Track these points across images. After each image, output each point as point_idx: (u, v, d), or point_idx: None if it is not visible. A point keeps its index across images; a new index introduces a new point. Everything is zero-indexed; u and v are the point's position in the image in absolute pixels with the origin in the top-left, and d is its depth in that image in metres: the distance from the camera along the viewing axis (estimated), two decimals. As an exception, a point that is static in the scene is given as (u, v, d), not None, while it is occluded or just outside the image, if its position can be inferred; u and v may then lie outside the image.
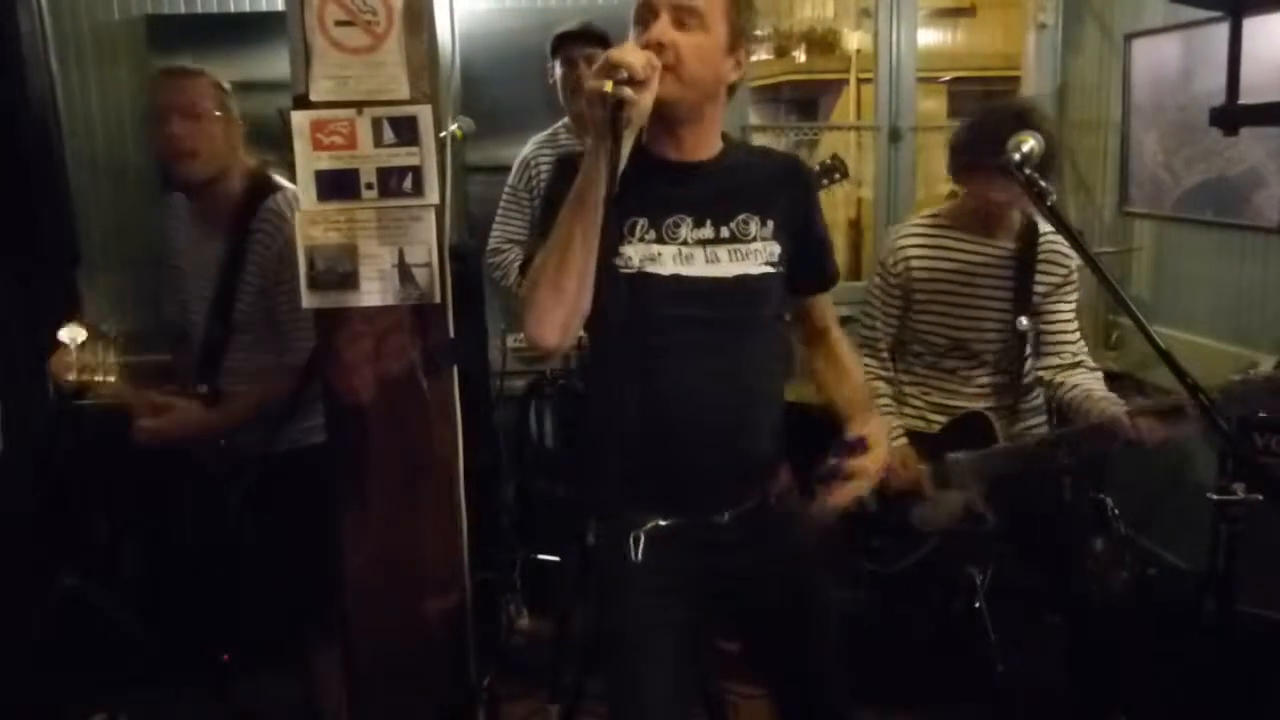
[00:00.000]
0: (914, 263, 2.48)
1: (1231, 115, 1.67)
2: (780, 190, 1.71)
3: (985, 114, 2.37)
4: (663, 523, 1.67)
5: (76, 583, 2.87)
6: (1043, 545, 2.48)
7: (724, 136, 1.71)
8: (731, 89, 1.65)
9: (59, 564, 2.90)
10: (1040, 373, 2.49)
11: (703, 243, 1.63)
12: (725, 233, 1.65)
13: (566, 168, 1.60)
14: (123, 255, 3.44)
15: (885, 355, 2.60)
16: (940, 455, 2.45)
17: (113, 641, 2.85)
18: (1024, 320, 2.39)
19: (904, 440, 2.47)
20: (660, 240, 1.61)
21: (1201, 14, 2.94)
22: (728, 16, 1.58)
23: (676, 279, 1.62)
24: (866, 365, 2.56)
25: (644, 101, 1.42)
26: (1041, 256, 2.43)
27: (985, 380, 2.52)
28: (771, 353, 1.76)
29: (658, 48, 1.49)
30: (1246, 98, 1.84)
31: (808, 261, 1.75)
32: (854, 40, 6.37)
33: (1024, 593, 2.75)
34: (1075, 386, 2.41)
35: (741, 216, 1.66)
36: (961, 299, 2.46)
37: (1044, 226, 2.45)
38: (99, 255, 3.49)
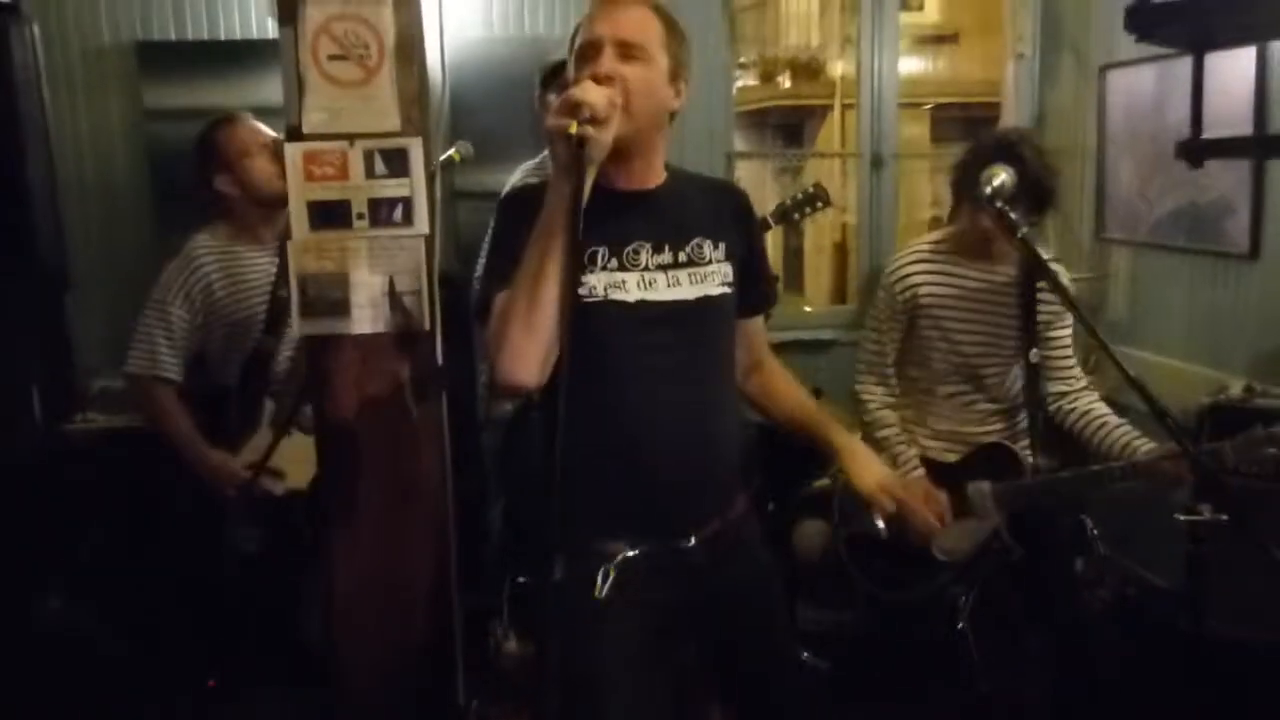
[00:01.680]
0: (920, 289, 2.46)
1: (1196, 149, 1.73)
2: (725, 214, 1.77)
3: (974, 144, 2.42)
4: (630, 554, 1.67)
5: (61, 605, 2.88)
6: (1030, 567, 2.51)
7: (665, 165, 1.75)
8: (671, 116, 1.70)
9: (44, 586, 2.91)
10: (1049, 399, 2.51)
11: (663, 267, 1.67)
12: (683, 257, 1.69)
13: (512, 206, 1.65)
14: (113, 281, 3.46)
15: (893, 381, 2.58)
16: (959, 485, 2.40)
17: (96, 664, 2.85)
18: (1035, 351, 2.41)
19: (921, 471, 2.44)
20: (623, 268, 1.65)
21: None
22: (667, 47, 1.64)
23: (642, 304, 1.65)
24: (870, 392, 2.57)
25: (605, 138, 1.46)
26: (1041, 285, 2.42)
27: (983, 406, 2.53)
28: (730, 375, 1.81)
29: (606, 82, 1.53)
30: (1214, 129, 1.90)
31: (750, 283, 1.80)
32: (838, 66, 6.46)
33: (1008, 614, 2.78)
34: (1088, 414, 2.44)
35: (695, 240, 1.71)
36: (965, 325, 2.46)
37: (1045, 253, 2.46)
38: (88, 281, 3.50)
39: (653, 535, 1.69)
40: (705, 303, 1.70)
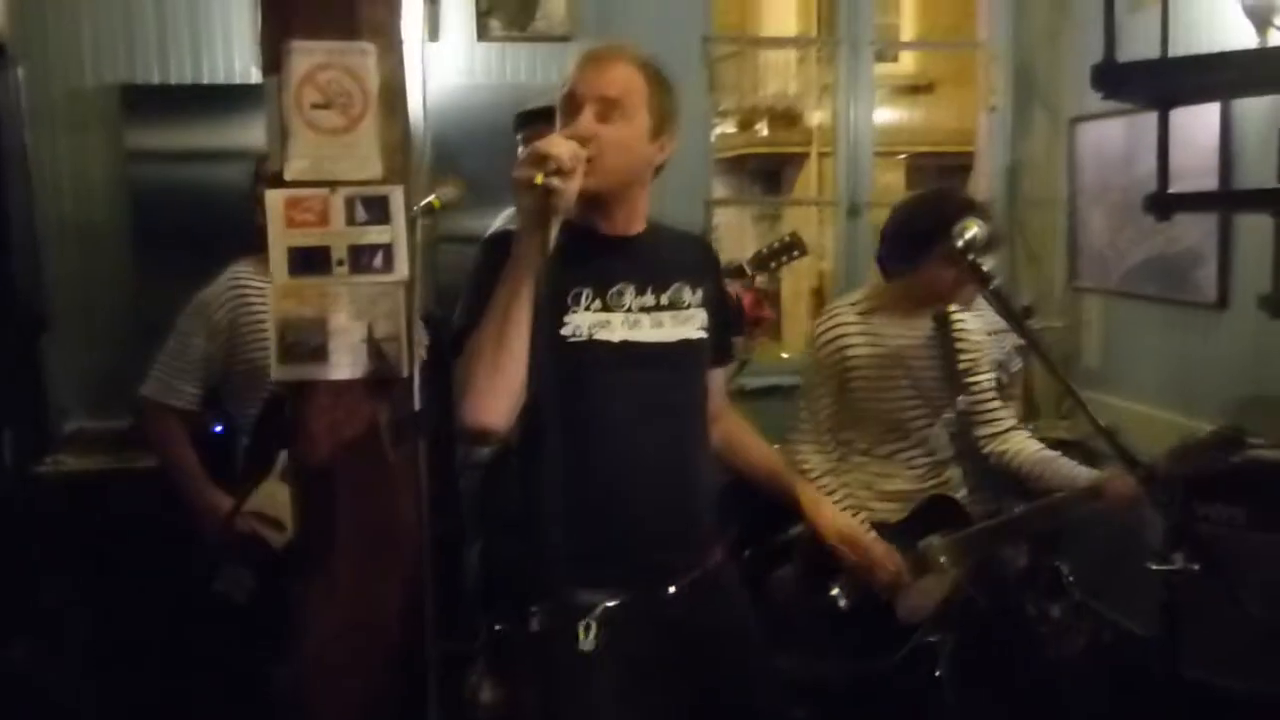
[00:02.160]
0: (847, 350, 2.44)
1: (1163, 202, 1.77)
2: (700, 263, 1.82)
3: (921, 202, 2.46)
4: (611, 604, 1.65)
5: (25, 651, 2.84)
6: (1005, 613, 2.52)
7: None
8: (658, 169, 1.73)
9: (8, 631, 2.86)
10: (981, 442, 2.53)
11: (646, 309, 1.70)
12: (665, 300, 1.72)
13: (493, 248, 1.66)
14: (90, 324, 3.45)
15: (830, 447, 2.51)
16: (909, 543, 2.40)
17: (60, 714, 2.80)
18: (963, 399, 2.44)
19: (874, 534, 2.37)
20: (607, 308, 1.67)
21: (1140, 101, 3.11)
22: (649, 105, 1.66)
23: (627, 344, 1.68)
24: (808, 461, 2.47)
25: (570, 190, 1.49)
26: (956, 335, 2.47)
27: (922, 461, 2.53)
28: (705, 419, 1.83)
29: (581, 141, 1.56)
30: (1182, 181, 1.95)
31: (717, 333, 1.82)
32: (815, 115, 6.56)
33: (985, 660, 2.78)
34: (1022, 452, 2.46)
35: (676, 285, 1.74)
36: (894, 382, 2.46)
37: (951, 306, 2.48)
38: (65, 323, 3.48)
39: (633, 584, 1.68)
40: (685, 345, 1.73)
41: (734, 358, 1.97)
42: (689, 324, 1.74)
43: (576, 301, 1.66)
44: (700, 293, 1.77)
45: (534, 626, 1.53)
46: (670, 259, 1.77)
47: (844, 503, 2.43)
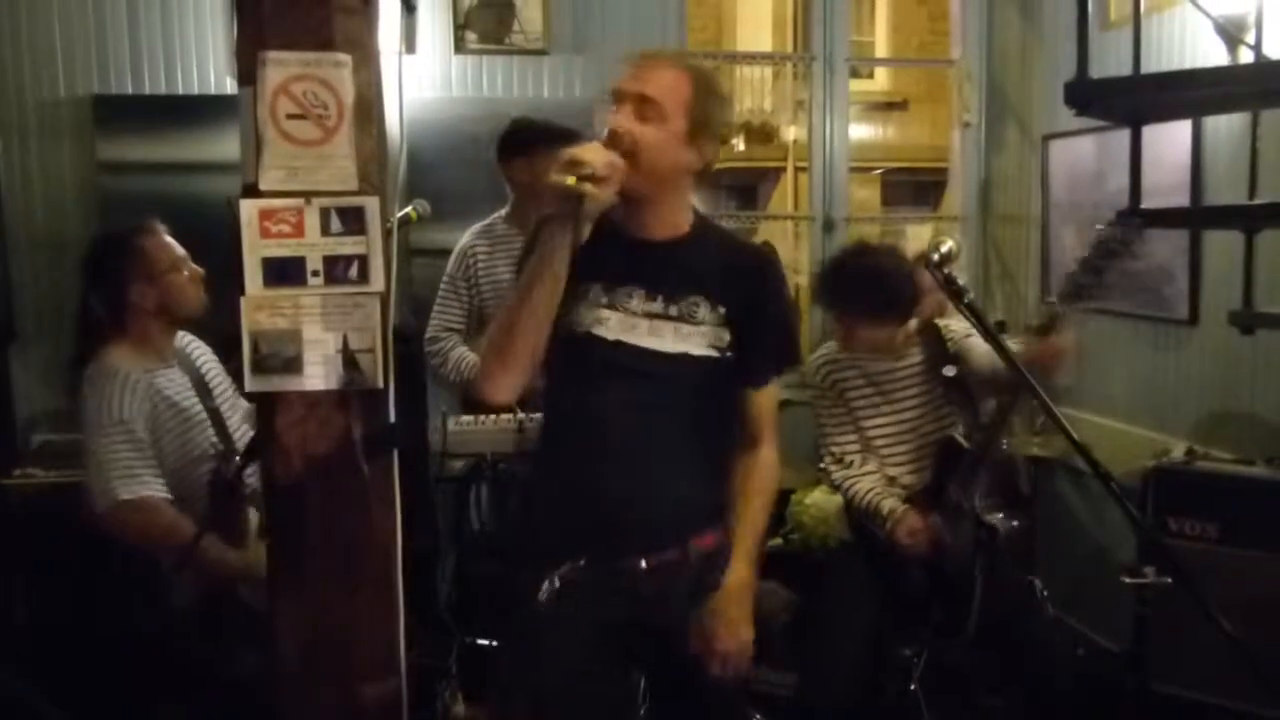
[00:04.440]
0: (840, 383, 2.70)
1: (1135, 218, 1.78)
2: (739, 279, 1.77)
3: (826, 271, 2.73)
4: (577, 565, 1.72)
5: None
6: (990, 628, 2.56)
7: (699, 218, 1.78)
8: (702, 175, 1.73)
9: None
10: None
11: (650, 315, 1.71)
12: (674, 311, 1.72)
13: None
14: (58, 335, 3.40)
15: (849, 457, 2.71)
16: (940, 498, 2.55)
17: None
18: (950, 369, 2.59)
19: (905, 507, 2.56)
20: (610, 306, 1.70)
21: (1111, 119, 3.14)
22: (688, 110, 1.67)
23: (619, 344, 1.70)
24: (837, 474, 2.70)
25: (602, 196, 1.54)
26: (954, 349, 2.65)
27: (926, 463, 2.67)
28: (707, 434, 1.80)
29: (614, 136, 1.61)
30: (1152, 198, 1.97)
31: (752, 352, 1.78)
32: (791, 131, 6.59)
33: (959, 674, 2.79)
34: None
35: (693, 299, 1.73)
36: (885, 399, 2.68)
37: (953, 325, 2.70)
38: (33, 334, 3.44)
39: (604, 551, 1.73)
40: (684, 359, 1.72)
41: (767, 378, 1.84)
42: (694, 340, 1.73)
43: (584, 296, 1.70)
44: (724, 310, 1.74)
45: (506, 589, 1.58)
46: (697, 270, 1.74)
47: (877, 493, 2.62)
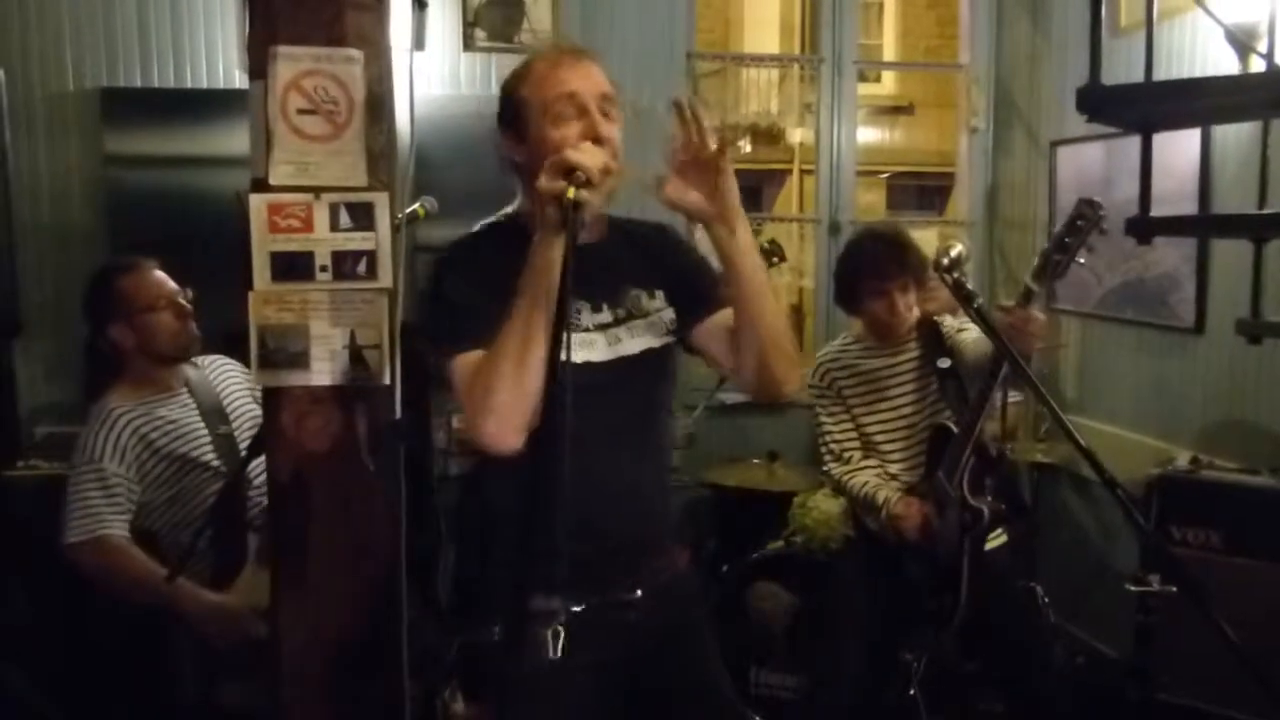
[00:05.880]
0: (837, 381, 2.77)
1: (1144, 226, 1.77)
2: (659, 257, 1.75)
3: (846, 250, 2.79)
4: (577, 609, 1.57)
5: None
6: (999, 637, 2.59)
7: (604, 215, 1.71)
8: None
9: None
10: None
11: (602, 327, 1.66)
12: (621, 313, 1.67)
13: (453, 268, 1.67)
14: (64, 327, 3.40)
15: (849, 455, 2.77)
16: (933, 485, 2.59)
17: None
18: (945, 360, 2.62)
19: (902, 495, 2.62)
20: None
21: (1120, 126, 3.14)
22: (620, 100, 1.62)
23: (587, 365, 1.62)
24: (836, 472, 2.76)
25: (597, 200, 1.42)
26: (949, 344, 2.68)
27: (921, 459, 2.69)
28: (668, 431, 1.82)
29: (608, 144, 1.51)
30: (1159, 206, 1.96)
31: (696, 291, 1.73)
32: (797, 134, 6.59)
33: (959, 680, 2.79)
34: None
35: (632, 294, 1.69)
36: (880, 396, 2.73)
37: (947, 320, 2.76)
38: (39, 326, 3.44)
39: (599, 588, 1.63)
40: (647, 355, 1.69)
41: (721, 301, 1.73)
42: (650, 332, 1.69)
43: None
44: (661, 293, 1.71)
45: (496, 636, 1.50)
46: (624, 266, 1.70)
47: (874, 484, 2.67)
